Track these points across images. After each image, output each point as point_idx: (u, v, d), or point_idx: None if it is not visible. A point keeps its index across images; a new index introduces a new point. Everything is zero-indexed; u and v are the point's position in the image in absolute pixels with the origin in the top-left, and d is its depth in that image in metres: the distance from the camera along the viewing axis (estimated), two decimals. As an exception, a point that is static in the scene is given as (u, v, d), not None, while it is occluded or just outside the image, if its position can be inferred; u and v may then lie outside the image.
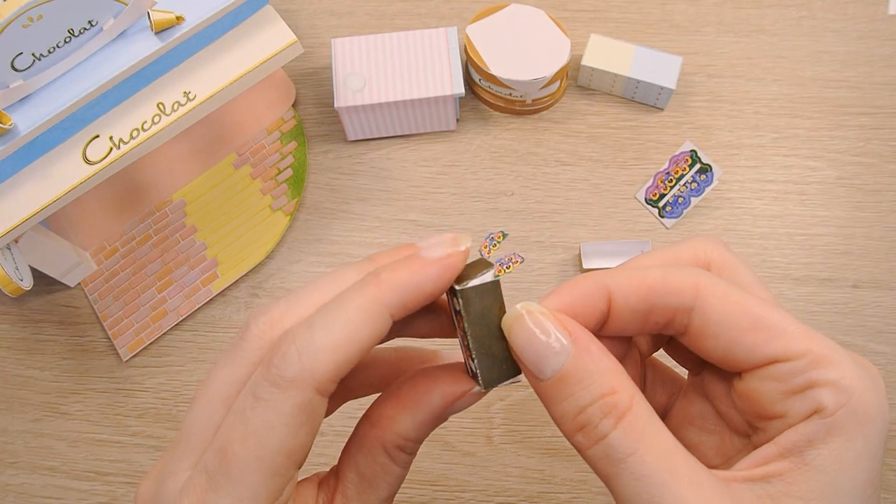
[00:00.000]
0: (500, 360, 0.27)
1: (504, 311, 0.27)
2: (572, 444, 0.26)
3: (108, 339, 0.58)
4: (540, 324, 0.26)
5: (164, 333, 0.58)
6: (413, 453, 0.29)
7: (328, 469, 0.31)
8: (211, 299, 0.59)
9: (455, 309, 0.28)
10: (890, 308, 0.56)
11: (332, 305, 0.26)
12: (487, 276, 0.27)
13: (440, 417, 0.28)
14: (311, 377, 0.25)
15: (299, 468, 0.26)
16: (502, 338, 0.27)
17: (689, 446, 0.30)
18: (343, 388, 0.32)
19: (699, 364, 0.31)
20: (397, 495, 0.30)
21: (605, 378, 0.25)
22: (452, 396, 0.28)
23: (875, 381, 0.25)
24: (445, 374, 0.29)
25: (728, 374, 0.29)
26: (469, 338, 0.27)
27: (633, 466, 0.24)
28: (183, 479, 0.26)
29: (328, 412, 0.32)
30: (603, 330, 0.28)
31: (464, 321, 0.27)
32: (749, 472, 0.25)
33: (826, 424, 0.24)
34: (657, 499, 0.24)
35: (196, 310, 0.59)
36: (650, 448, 0.24)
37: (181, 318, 0.58)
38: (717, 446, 0.30)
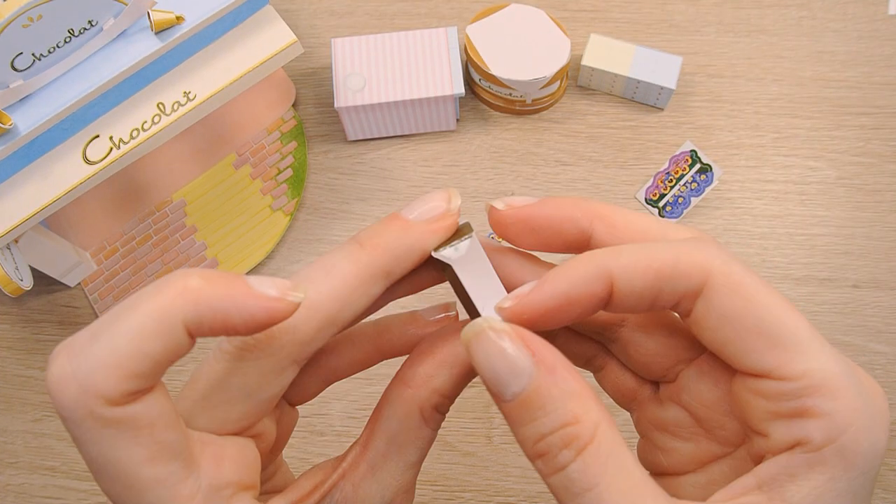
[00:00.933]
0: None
1: (491, 268, 0.27)
2: (534, 467, 0.25)
3: (108, 339, 0.58)
4: (500, 345, 0.24)
5: (164, 333, 0.58)
6: (445, 413, 0.28)
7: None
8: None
9: (443, 272, 0.28)
10: (890, 308, 0.56)
11: (125, 308, 0.23)
12: (465, 239, 0.27)
13: (473, 371, 0.27)
14: (96, 397, 0.22)
15: (179, 457, 0.24)
16: (501, 291, 0.27)
17: (661, 450, 0.29)
18: (325, 370, 0.31)
19: (674, 367, 0.29)
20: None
21: (567, 405, 0.23)
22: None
23: (875, 415, 0.23)
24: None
25: (721, 376, 0.27)
26: (470, 297, 0.27)
27: (590, 502, 0.23)
28: None
29: (311, 395, 0.31)
30: (604, 311, 0.27)
31: (458, 286, 0.27)
32: None
33: (809, 459, 0.23)
34: None
35: (196, 310, 0.59)
36: (611, 484, 0.23)
37: (181, 318, 0.58)
38: (692, 453, 0.29)
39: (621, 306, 0.26)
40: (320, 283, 0.25)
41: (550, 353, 0.24)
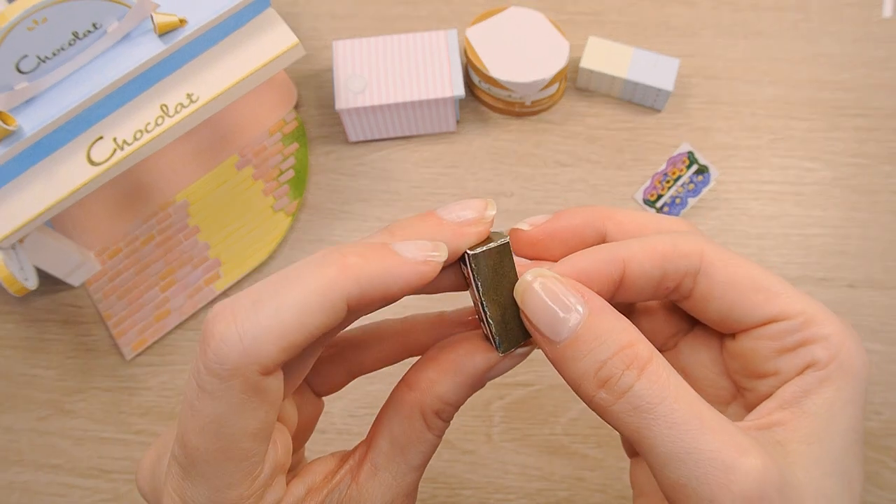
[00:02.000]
0: (515, 325, 0.28)
1: (517, 278, 0.28)
2: (594, 405, 0.25)
3: (112, 338, 0.59)
4: (551, 288, 0.26)
5: (167, 333, 0.59)
6: (448, 420, 0.29)
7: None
8: (213, 299, 0.59)
9: (467, 275, 0.28)
10: (885, 307, 0.57)
11: (285, 281, 0.24)
12: (498, 242, 0.28)
13: (480, 381, 0.29)
14: (256, 363, 0.23)
15: (267, 441, 0.25)
16: (516, 303, 0.28)
17: None
18: (351, 363, 0.32)
19: (673, 336, 0.33)
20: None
21: (622, 333, 0.25)
22: (496, 359, 0.29)
23: (856, 337, 0.28)
24: (484, 340, 0.29)
25: (713, 340, 0.31)
26: (483, 304, 0.27)
27: (664, 414, 0.24)
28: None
29: (337, 386, 0.33)
30: (614, 298, 0.29)
31: (477, 288, 0.27)
32: (756, 422, 0.27)
33: (819, 377, 0.27)
34: (693, 444, 0.23)
35: (199, 309, 0.59)
36: (678, 396, 0.24)
37: (184, 318, 0.59)
38: None
39: (631, 290, 0.29)
40: (283, 304, 0.24)
41: (597, 297, 0.26)
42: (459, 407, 0.29)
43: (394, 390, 0.29)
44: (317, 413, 0.33)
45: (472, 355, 0.28)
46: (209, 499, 0.25)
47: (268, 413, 0.24)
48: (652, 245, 0.28)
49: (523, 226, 0.30)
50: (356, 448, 0.30)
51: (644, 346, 0.25)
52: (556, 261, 0.29)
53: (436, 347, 0.29)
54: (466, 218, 0.28)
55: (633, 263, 0.28)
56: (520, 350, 0.29)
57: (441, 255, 0.26)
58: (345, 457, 0.29)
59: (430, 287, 0.28)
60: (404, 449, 0.28)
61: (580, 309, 0.26)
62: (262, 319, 0.23)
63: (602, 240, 0.30)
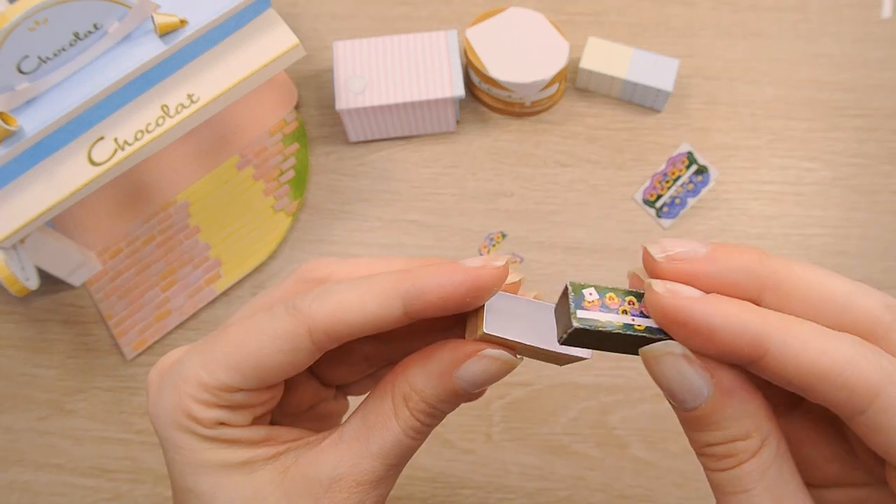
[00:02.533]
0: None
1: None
2: (698, 457, 0.26)
3: (113, 338, 0.59)
4: (678, 367, 0.24)
5: (167, 332, 0.59)
6: (418, 417, 0.28)
7: None
8: (214, 299, 0.60)
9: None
10: (884, 307, 0.57)
11: (367, 276, 0.27)
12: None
13: (447, 371, 0.27)
14: (310, 318, 0.26)
15: (261, 386, 0.28)
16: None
17: (802, 460, 0.29)
18: (377, 368, 0.34)
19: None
20: (395, 493, 0.30)
21: (740, 422, 0.24)
22: (462, 353, 0.27)
23: None
24: (462, 341, 0.28)
25: None
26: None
27: (739, 502, 0.24)
28: None
29: (361, 390, 0.35)
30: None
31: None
32: None
33: None
34: None
35: (199, 309, 0.59)
36: (765, 490, 0.24)
37: (185, 318, 0.59)
38: (836, 470, 0.28)
39: (765, 375, 0.24)
40: (353, 289, 0.27)
41: (728, 375, 0.24)
42: (428, 400, 0.28)
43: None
44: (342, 410, 0.35)
45: (445, 344, 0.28)
46: (196, 367, 0.28)
47: (281, 364, 0.27)
48: (814, 354, 0.23)
49: (656, 252, 0.25)
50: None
51: (755, 440, 0.24)
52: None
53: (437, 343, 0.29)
54: (475, 265, 0.27)
55: (775, 361, 0.23)
56: (492, 352, 0.27)
57: (499, 262, 0.26)
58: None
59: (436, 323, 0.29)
60: (370, 429, 0.28)
61: (705, 392, 0.24)
62: (334, 293, 0.27)
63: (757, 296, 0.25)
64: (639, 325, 0.25)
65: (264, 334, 0.27)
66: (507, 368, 0.27)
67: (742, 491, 0.24)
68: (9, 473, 0.56)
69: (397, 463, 0.28)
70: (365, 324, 0.26)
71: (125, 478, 0.56)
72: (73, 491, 0.56)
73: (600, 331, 0.24)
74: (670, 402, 0.25)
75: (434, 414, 0.28)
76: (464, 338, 0.28)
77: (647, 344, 0.24)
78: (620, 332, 0.24)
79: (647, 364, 0.25)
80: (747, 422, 0.24)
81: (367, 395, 0.30)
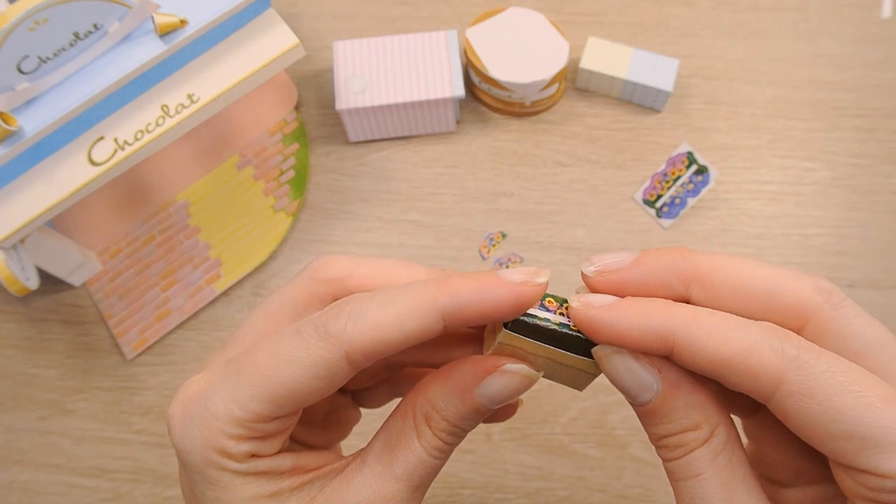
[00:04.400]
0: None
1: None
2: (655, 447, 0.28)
3: (113, 337, 0.59)
4: (628, 363, 0.26)
5: (168, 332, 0.59)
6: (441, 437, 0.28)
7: None
8: (214, 299, 0.60)
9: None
10: (884, 307, 0.57)
11: (398, 290, 0.26)
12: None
13: (468, 386, 0.27)
14: (347, 342, 0.25)
15: (295, 411, 0.27)
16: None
17: (763, 461, 0.31)
18: (394, 383, 0.34)
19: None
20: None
21: (689, 414, 0.26)
22: (481, 369, 0.27)
23: None
24: (482, 357, 0.28)
25: None
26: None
27: (690, 487, 0.26)
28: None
29: (376, 403, 0.35)
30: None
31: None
32: None
33: None
34: None
35: (200, 309, 0.59)
36: (714, 475, 0.26)
37: (185, 318, 0.59)
38: (795, 468, 0.29)
39: (684, 367, 0.26)
40: (390, 305, 0.26)
41: (675, 370, 0.26)
42: (450, 420, 0.28)
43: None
44: (354, 421, 0.35)
45: (464, 361, 0.28)
46: (227, 401, 0.27)
47: (317, 390, 0.26)
48: (716, 344, 0.24)
49: (588, 270, 0.27)
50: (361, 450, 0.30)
51: (704, 430, 0.26)
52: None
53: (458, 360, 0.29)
54: (516, 280, 0.27)
55: (683, 352, 0.25)
56: (513, 367, 0.28)
57: (542, 279, 0.26)
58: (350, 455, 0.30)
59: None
60: (393, 451, 0.28)
61: (655, 387, 0.26)
62: (368, 312, 0.26)
63: (683, 301, 0.27)
64: (574, 326, 0.27)
65: (298, 364, 0.26)
66: (528, 383, 0.27)
67: (692, 476, 0.26)
68: (9, 473, 0.56)
69: (421, 484, 0.28)
70: (405, 342, 0.26)
71: (125, 478, 0.56)
72: (73, 491, 0.56)
73: (538, 325, 0.26)
74: (626, 398, 0.27)
75: (456, 432, 0.28)
76: (481, 344, 0.28)
77: (581, 343, 0.27)
78: (556, 328, 0.26)
79: (599, 362, 0.27)
80: (695, 413, 0.26)
81: (388, 415, 0.29)
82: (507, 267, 0.59)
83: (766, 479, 0.31)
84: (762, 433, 0.30)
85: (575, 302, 0.26)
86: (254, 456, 0.27)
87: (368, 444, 0.29)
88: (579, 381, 0.28)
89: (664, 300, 0.26)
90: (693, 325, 0.25)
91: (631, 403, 0.27)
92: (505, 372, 0.27)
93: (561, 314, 0.27)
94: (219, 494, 0.27)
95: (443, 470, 0.54)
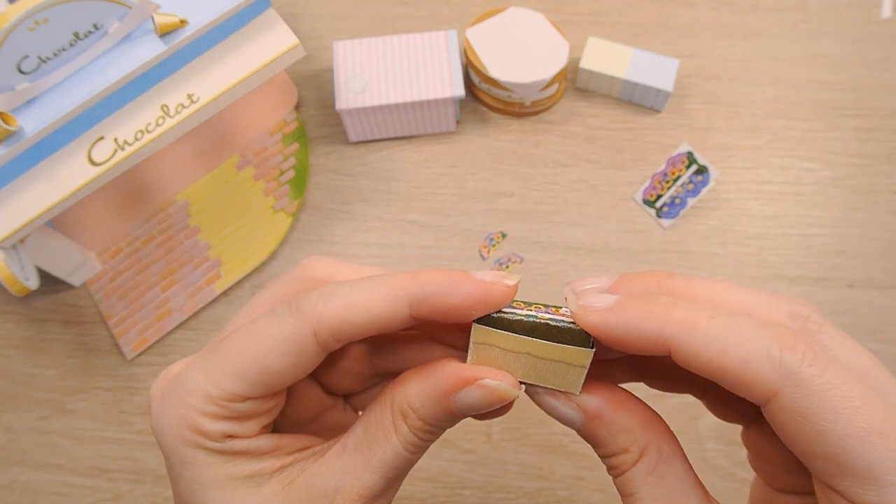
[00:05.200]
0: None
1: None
2: None
3: (113, 338, 0.59)
4: (551, 403, 0.28)
5: (167, 332, 0.59)
6: (417, 434, 0.28)
7: None
8: (214, 299, 0.60)
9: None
10: (884, 307, 0.57)
11: (370, 277, 0.27)
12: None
13: (444, 395, 0.27)
14: (317, 318, 0.26)
15: (268, 392, 0.28)
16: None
17: (759, 469, 0.31)
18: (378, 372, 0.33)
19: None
20: (398, 493, 0.30)
21: (616, 440, 0.27)
22: (459, 379, 0.27)
23: None
24: (461, 366, 0.28)
25: None
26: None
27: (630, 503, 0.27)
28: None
29: (355, 389, 0.34)
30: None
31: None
32: None
33: None
34: None
35: (200, 309, 0.59)
36: (647, 493, 0.27)
37: (185, 318, 0.59)
38: (787, 478, 0.30)
39: (682, 365, 0.26)
40: (359, 289, 0.27)
41: (593, 402, 0.27)
42: (426, 419, 0.28)
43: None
44: (349, 422, 0.34)
45: (444, 363, 0.28)
46: (200, 379, 0.27)
47: (287, 367, 0.27)
48: (713, 353, 0.24)
49: (572, 305, 0.27)
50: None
51: (633, 452, 0.27)
52: None
53: (439, 360, 0.29)
54: (487, 279, 0.27)
55: (681, 357, 0.25)
56: (491, 382, 0.27)
57: (511, 281, 0.27)
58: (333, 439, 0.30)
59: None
60: (371, 443, 0.28)
61: (578, 419, 0.28)
62: (340, 293, 0.27)
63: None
64: (543, 317, 0.27)
65: (268, 338, 0.27)
66: (505, 399, 0.27)
67: (628, 494, 0.27)
68: (9, 473, 0.57)
69: (397, 476, 0.29)
70: (371, 324, 0.26)
71: (125, 478, 0.56)
72: (73, 491, 0.56)
73: (519, 318, 0.27)
74: None
75: (433, 431, 0.28)
76: (466, 347, 0.28)
77: (555, 329, 0.27)
78: (536, 319, 0.27)
79: (532, 399, 0.28)
80: (622, 438, 0.27)
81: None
82: (507, 267, 0.59)
83: (765, 483, 0.31)
84: (758, 444, 0.30)
85: (573, 304, 0.27)
86: (230, 437, 0.28)
87: (350, 430, 0.29)
88: (570, 379, 0.27)
89: (665, 299, 0.26)
90: (690, 331, 0.24)
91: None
92: (481, 386, 0.27)
93: (537, 310, 0.27)
94: (194, 474, 0.28)
95: (443, 470, 0.54)
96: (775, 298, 0.27)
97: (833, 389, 0.23)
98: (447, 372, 0.27)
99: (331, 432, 0.34)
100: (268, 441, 0.29)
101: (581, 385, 0.28)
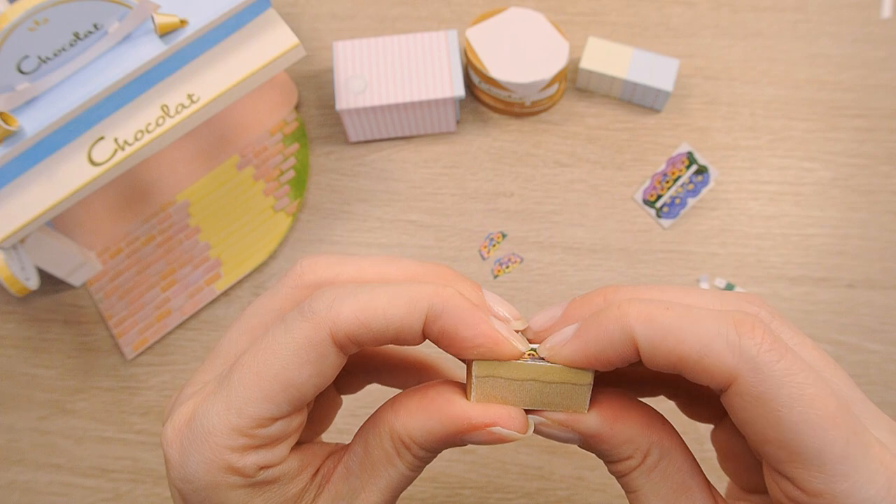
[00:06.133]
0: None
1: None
2: None
3: (113, 338, 0.59)
4: (551, 432, 0.28)
5: (168, 332, 0.59)
6: (419, 459, 0.28)
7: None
8: (214, 299, 0.60)
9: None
10: (884, 307, 0.57)
11: (390, 284, 0.26)
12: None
13: (451, 432, 0.27)
14: (333, 321, 0.25)
15: (295, 409, 0.26)
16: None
17: (730, 471, 0.32)
18: (369, 368, 0.33)
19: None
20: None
21: (618, 450, 0.27)
22: (468, 425, 0.27)
23: None
24: (468, 406, 0.27)
25: None
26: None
27: (632, 501, 0.28)
28: (199, 387, 0.28)
29: (353, 389, 0.35)
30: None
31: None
32: None
33: None
34: None
35: (200, 309, 0.59)
36: (651, 490, 0.27)
37: (185, 318, 0.59)
38: (754, 479, 0.30)
39: (650, 366, 0.26)
40: (378, 293, 0.26)
41: (588, 424, 0.27)
42: (429, 449, 0.28)
43: (382, 405, 0.29)
44: (336, 408, 0.35)
45: (451, 400, 0.27)
46: (222, 413, 0.25)
47: (310, 376, 0.26)
48: (674, 341, 0.24)
49: (520, 326, 0.28)
50: (342, 447, 0.30)
51: (636, 458, 0.27)
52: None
53: (430, 383, 0.29)
54: (506, 317, 0.28)
55: (646, 353, 0.25)
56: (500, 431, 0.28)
57: (519, 346, 0.27)
58: (335, 449, 0.30)
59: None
60: (374, 465, 0.28)
61: (576, 440, 0.28)
62: (354, 294, 0.26)
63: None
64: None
65: (283, 349, 0.25)
66: (512, 440, 0.27)
67: (631, 491, 0.28)
68: (9, 473, 0.57)
69: (401, 491, 0.29)
70: (387, 331, 0.25)
71: (125, 478, 0.56)
72: (73, 491, 0.56)
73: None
74: None
75: (436, 453, 0.28)
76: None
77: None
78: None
79: (536, 428, 0.28)
80: (623, 449, 0.27)
81: (366, 423, 0.29)
82: (507, 268, 0.59)
83: (734, 483, 0.32)
84: (723, 442, 0.31)
85: (544, 352, 0.27)
86: (263, 468, 0.26)
87: (349, 449, 0.29)
88: (576, 399, 0.27)
89: (621, 302, 0.25)
90: (649, 324, 0.24)
91: None
92: (491, 433, 0.27)
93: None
94: None
95: (443, 470, 0.54)
96: (725, 296, 0.27)
97: (790, 376, 0.23)
98: (455, 414, 0.27)
99: (321, 419, 0.34)
100: (295, 462, 0.28)
101: (588, 403, 0.27)
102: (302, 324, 0.25)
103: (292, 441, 0.27)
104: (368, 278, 0.28)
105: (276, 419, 0.26)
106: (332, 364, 0.26)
